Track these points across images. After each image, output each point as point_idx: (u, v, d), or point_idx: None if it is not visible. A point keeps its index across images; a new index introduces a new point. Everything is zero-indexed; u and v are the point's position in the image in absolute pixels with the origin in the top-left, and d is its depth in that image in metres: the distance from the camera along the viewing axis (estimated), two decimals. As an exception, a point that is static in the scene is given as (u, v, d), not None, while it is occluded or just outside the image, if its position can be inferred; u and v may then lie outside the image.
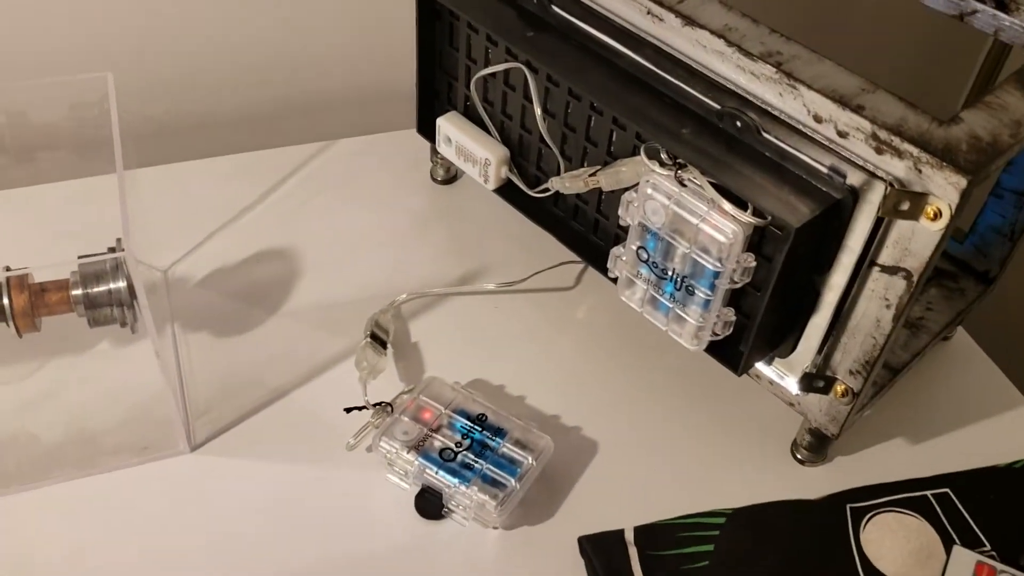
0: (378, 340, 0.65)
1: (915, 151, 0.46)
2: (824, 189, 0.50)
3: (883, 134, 0.47)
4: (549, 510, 0.59)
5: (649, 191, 0.54)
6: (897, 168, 0.48)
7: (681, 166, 0.53)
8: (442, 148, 0.71)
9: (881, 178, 0.48)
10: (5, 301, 0.56)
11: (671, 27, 0.54)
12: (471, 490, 0.57)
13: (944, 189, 0.46)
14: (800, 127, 0.50)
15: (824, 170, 0.50)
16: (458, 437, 0.59)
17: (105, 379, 0.63)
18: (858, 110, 0.48)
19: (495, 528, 0.58)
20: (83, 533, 0.56)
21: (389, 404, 0.61)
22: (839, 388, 0.56)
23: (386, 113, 0.87)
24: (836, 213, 0.50)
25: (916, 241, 0.49)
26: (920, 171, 0.47)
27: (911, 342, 0.64)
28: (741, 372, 0.57)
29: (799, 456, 0.63)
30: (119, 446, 0.60)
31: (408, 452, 0.58)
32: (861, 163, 0.49)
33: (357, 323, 0.67)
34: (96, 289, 0.57)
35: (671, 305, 0.56)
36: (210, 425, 0.62)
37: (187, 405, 0.62)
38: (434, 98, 0.72)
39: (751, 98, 0.52)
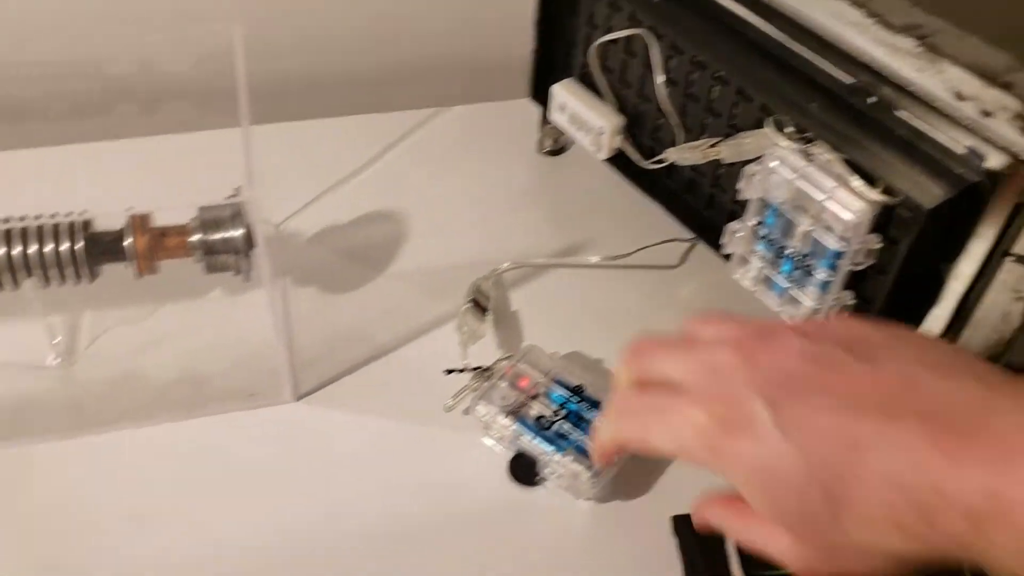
0: (479, 306, 0.66)
1: None
2: (960, 171, 0.48)
3: None
4: (643, 487, 0.59)
5: (773, 164, 0.53)
6: None
7: (809, 140, 0.51)
8: (555, 116, 0.70)
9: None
10: (128, 241, 0.58)
11: (807, -4, 0.53)
12: (566, 459, 0.56)
13: None
14: (938, 105, 0.48)
15: (962, 151, 0.48)
16: (555, 406, 0.59)
17: (216, 326, 0.65)
18: (1006, 87, 0.46)
19: (587, 500, 0.58)
20: (187, 473, 0.58)
21: (488, 369, 0.61)
22: None
23: (497, 82, 0.86)
24: (971, 197, 0.48)
25: None
26: None
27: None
28: None
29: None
30: (227, 391, 0.62)
31: (505, 417, 0.58)
32: (1004, 145, 0.46)
33: (459, 288, 0.67)
34: (214, 236, 0.59)
35: (786, 285, 0.55)
36: (315, 377, 0.63)
37: (293, 356, 0.63)
38: (550, 65, 0.71)
39: (886, 73, 0.50)
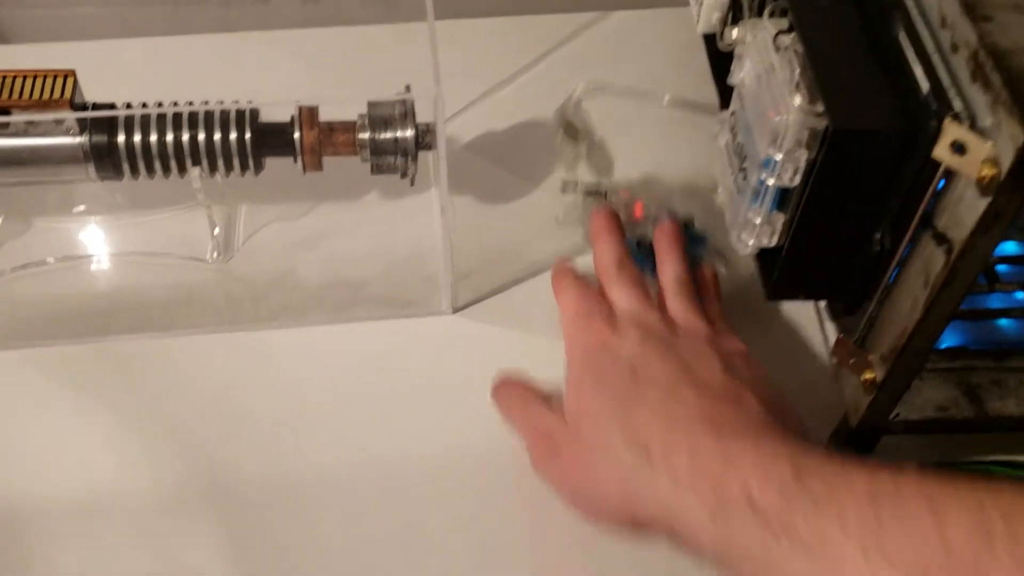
0: (571, 131, 0.67)
1: (999, 84, 0.34)
2: (905, 111, 0.39)
3: (982, 55, 0.35)
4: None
5: (743, 45, 0.47)
6: (980, 104, 0.36)
7: (788, 29, 0.44)
8: None
9: (951, 108, 0.37)
10: (297, 135, 0.56)
11: None
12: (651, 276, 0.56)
13: (1005, 143, 0.34)
14: (932, 29, 0.40)
15: (924, 91, 0.39)
16: None
17: (373, 229, 0.63)
18: (981, 20, 0.36)
19: None
20: (340, 377, 0.56)
21: (603, 192, 0.63)
22: (867, 373, 0.46)
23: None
24: (908, 145, 0.39)
25: (964, 206, 0.37)
26: (995, 112, 0.35)
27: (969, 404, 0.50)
28: (770, 296, 0.48)
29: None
30: (382, 297, 0.60)
31: None
32: (950, 88, 0.38)
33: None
34: (383, 135, 0.56)
35: (734, 188, 0.48)
36: (472, 290, 0.60)
37: (452, 267, 0.61)
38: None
39: None
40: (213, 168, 0.56)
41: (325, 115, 0.57)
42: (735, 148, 0.49)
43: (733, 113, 0.49)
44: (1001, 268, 0.56)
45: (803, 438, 0.43)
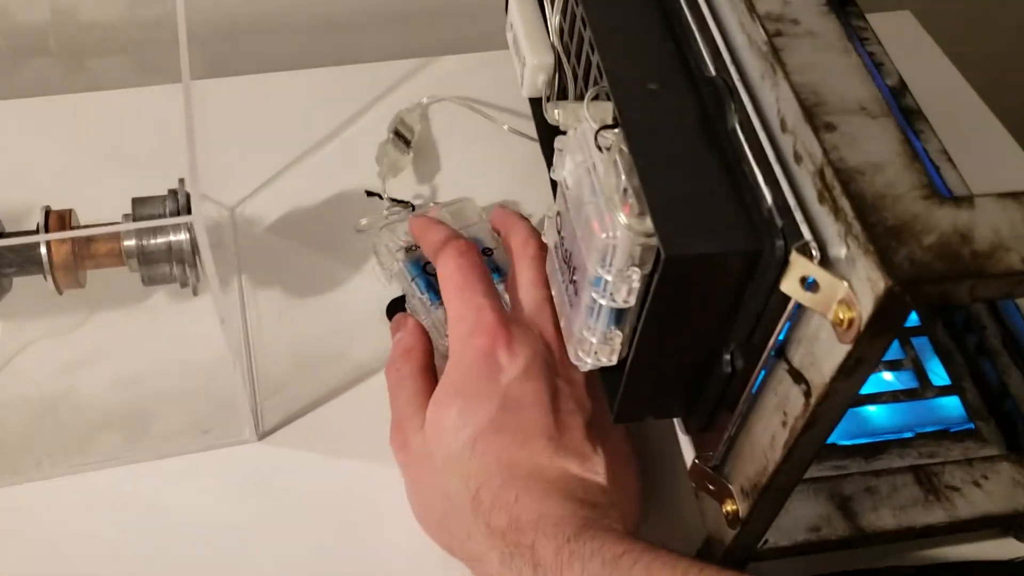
0: (401, 138, 0.62)
1: (850, 213, 0.29)
2: (748, 226, 0.33)
3: (829, 173, 0.30)
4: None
5: (562, 139, 0.40)
6: (830, 230, 0.30)
7: (610, 126, 0.38)
8: (507, 34, 0.55)
9: (797, 234, 0.31)
10: (43, 251, 0.46)
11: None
12: (434, 308, 0.52)
13: (862, 284, 0.28)
14: (770, 131, 0.34)
15: (767, 202, 0.33)
16: None
17: (160, 341, 0.53)
18: (824, 128, 0.31)
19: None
20: (126, 534, 0.47)
21: (409, 204, 0.60)
22: (728, 505, 0.40)
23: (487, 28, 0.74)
24: (752, 266, 0.33)
25: (820, 348, 0.31)
26: (848, 246, 0.29)
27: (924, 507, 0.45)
28: (617, 419, 0.41)
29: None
30: (174, 427, 0.51)
31: (399, 251, 0.55)
32: (795, 207, 0.32)
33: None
34: (153, 241, 0.47)
35: (565, 298, 0.42)
36: (283, 407, 0.52)
37: (256, 383, 0.52)
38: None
39: (742, 73, 0.36)
40: (-63, 297, 0.46)
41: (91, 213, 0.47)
42: (563, 254, 0.42)
43: (559, 213, 0.42)
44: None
45: (634, 511, 0.45)
